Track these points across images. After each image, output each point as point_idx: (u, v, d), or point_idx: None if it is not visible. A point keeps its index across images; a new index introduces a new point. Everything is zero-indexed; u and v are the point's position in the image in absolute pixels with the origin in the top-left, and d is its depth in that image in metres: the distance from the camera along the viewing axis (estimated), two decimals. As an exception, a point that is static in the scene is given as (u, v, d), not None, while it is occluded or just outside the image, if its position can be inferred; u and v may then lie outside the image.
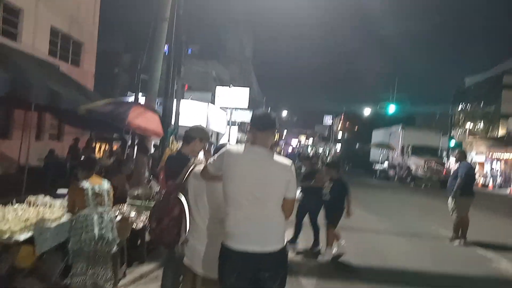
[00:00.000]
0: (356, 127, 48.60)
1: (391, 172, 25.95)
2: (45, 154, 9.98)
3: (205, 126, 3.55)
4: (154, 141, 10.03)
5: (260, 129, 2.46)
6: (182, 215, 2.77)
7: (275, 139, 2.68)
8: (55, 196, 4.40)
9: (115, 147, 10.64)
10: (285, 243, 2.41)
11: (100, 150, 10.64)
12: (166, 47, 8.98)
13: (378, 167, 28.19)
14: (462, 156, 8.11)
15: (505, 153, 28.15)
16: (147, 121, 7.50)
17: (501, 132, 31.05)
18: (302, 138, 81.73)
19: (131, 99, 15.60)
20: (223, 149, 2.53)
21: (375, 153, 31.76)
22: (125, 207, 4.55)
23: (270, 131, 2.48)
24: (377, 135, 33.66)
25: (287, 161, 2.45)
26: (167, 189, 3.00)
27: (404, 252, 6.59)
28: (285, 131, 64.64)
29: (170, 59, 8.80)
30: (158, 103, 9.38)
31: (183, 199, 2.78)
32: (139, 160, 9.14)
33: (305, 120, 79.33)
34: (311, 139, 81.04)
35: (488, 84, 34.54)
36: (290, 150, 44.35)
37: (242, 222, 2.33)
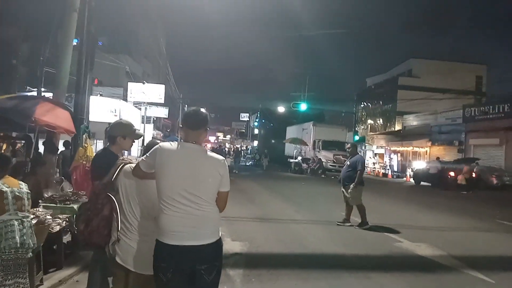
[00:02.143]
0: (272, 123, 50.23)
1: (305, 165, 27.47)
2: None
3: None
4: (65, 139, 9.32)
5: (192, 128, 2.50)
6: (113, 215, 2.69)
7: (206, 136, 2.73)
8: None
9: (18, 147, 9.62)
10: (219, 235, 2.49)
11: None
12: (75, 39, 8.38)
13: (292, 161, 29.65)
14: (354, 150, 8.76)
15: (400, 146, 31.57)
16: (57, 117, 6.92)
17: (397, 127, 34.68)
18: (220, 134, 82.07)
19: (32, 94, 14.19)
20: (155, 146, 2.51)
21: (290, 148, 33.29)
22: (39, 211, 4.21)
23: (202, 129, 2.53)
24: (291, 131, 35.30)
25: (220, 157, 2.53)
26: (95, 189, 2.88)
27: (320, 238, 7.11)
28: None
29: (80, 52, 8.23)
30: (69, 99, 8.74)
31: (113, 198, 2.70)
32: (47, 159, 8.43)
33: (222, 117, 79.72)
34: (228, 136, 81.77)
35: (386, 85, 38.30)
36: (209, 146, 44.30)
37: (177, 219, 2.35)
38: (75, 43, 8.50)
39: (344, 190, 8.37)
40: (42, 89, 14.21)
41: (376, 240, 7.15)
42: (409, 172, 26.67)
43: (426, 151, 28.76)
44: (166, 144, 2.51)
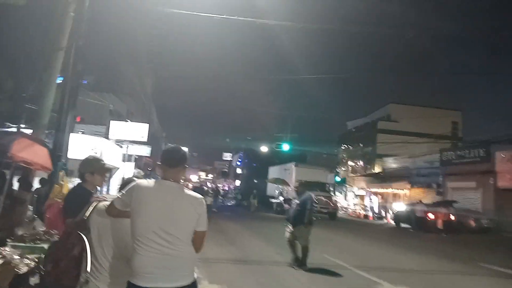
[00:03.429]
0: (254, 163, 50.31)
1: (286, 206, 27.28)
2: None
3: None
4: (41, 176, 9.10)
5: (170, 165, 2.48)
6: (83, 255, 2.60)
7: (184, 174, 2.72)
8: None
9: (-10, 184, 9.30)
10: (195, 277, 2.43)
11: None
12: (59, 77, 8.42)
13: (274, 201, 29.50)
14: (303, 189, 8.67)
15: (381, 188, 31.91)
16: (34, 154, 6.80)
17: (377, 169, 35.20)
18: (202, 173, 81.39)
19: (11, 130, 13.95)
20: (132, 184, 2.49)
21: (272, 188, 33.18)
22: (6, 250, 4.02)
23: (181, 166, 2.51)
24: (273, 171, 35.37)
25: (198, 195, 2.51)
26: (66, 227, 2.80)
27: (301, 281, 6.95)
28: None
29: (64, 90, 8.25)
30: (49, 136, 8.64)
31: (84, 237, 2.62)
32: (21, 197, 8.18)
33: (205, 156, 79.55)
34: (210, 175, 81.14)
35: (366, 128, 39.31)
36: (190, 186, 43.77)
37: (150, 259, 2.28)
38: (59, 81, 8.54)
39: (292, 230, 8.14)
40: (22, 126, 14.00)
41: (357, 283, 7.04)
42: (389, 214, 26.78)
43: (406, 193, 29.10)
44: (143, 182, 2.49)
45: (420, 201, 22.86)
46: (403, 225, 22.55)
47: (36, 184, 9.54)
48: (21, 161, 6.58)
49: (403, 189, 29.39)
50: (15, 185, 8.72)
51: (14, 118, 14.70)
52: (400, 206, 24.58)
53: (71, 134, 9.70)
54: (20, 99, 13.94)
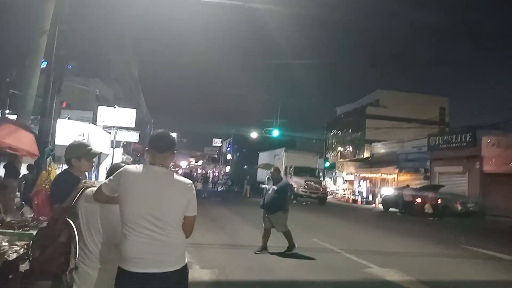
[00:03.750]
0: (244, 149, 50.31)
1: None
2: None
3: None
4: (28, 162, 8.96)
5: (159, 150, 2.43)
6: (71, 241, 2.56)
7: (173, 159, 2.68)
8: None
9: (-25, 171, 9.15)
10: (185, 262, 2.42)
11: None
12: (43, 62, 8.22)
13: (264, 186, 29.62)
14: (277, 174, 8.29)
15: (369, 173, 32.28)
16: (20, 140, 6.67)
17: (366, 155, 35.53)
18: (192, 159, 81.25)
19: (-4, 116, 13.67)
20: (120, 169, 2.45)
21: (262, 174, 33.30)
22: (-6, 238, 3.96)
23: (170, 152, 2.47)
24: (263, 157, 35.42)
25: (187, 180, 2.48)
26: (53, 213, 2.76)
27: (290, 266, 7.02)
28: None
29: (48, 75, 8.06)
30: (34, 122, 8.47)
31: (71, 223, 2.58)
32: (8, 183, 8.05)
33: (194, 142, 79.27)
34: (200, 161, 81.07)
35: (355, 114, 39.49)
36: (180, 171, 43.69)
37: (140, 244, 2.26)
38: (43, 66, 8.33)
39: (269, 216, 7.97)
40: (7, 111, 13.74)
41: (346, 267, 7.14)
42: (378, 198, 27.17)
43: (394, 178, 29.50)
44: (131, 167, 2.44)
45: (407, 186, 23.22)
46: (391, 209, 22.93)
47: (23, 171, 9.40)
48: (6, 147, 6.45)
49: (391, 174, 29.78)
50: (1, 172, 8.59)
51: (-2, 104, 14.41)
52: (388, 191, 24.96)
53: (58, 120, 9.55)
54: (3, 84, 13.63)
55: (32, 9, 7.81)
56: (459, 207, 19.45)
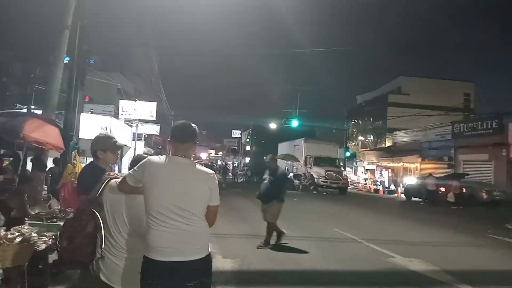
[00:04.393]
0: (263, 140, 50.30)
1: (296, 182, 27.40)
2: None
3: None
4: (54, 156, 9.21)
5: (181, 141, 2.45)
6: (97, 232, 2.62)
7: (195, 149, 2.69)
8: None
9: (5, 164, 9.47)
10: (209, 251, 2.44)
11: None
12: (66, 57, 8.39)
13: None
14: (274, 163, 7.82)
15: (391, 162, 31.78)
16: (46, 134, 6.85)
17: (388, 143, 34.95)
18: (212, 151, 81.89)
19: (21, 111, 14.08)
20: (143, 160, 2.48)
21: (281, 165, 33.25)
22: (25, 228, 4.10)
23: (191, 142, 2.49)
24: (283, 148, 35.34)
25: (209, 170, 2.50)
26: (79, 204, 2.82)
27: (313, 255, 7.02)
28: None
29: (71, 69, 8.23)
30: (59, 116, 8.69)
31: (97, 214, 2.64)
32: (35, 177, 8.30)
33: (214, 134, 79.83)
34: (220, 153, 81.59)
35: (376, 102, 38.83)
36: (200, 163, 44.02)
37: (165, 234, 2.30)
38: (66, 61, 8.51)
39: (263, 206, 7.58)
40: (32, 107, 14.15)
41: (369, 256, 7.08)
42: (400, 188, 26.75)
43: (417, 167, 28.95)
44: (155, 158, 2.47)
45: (430, 175, 22.77)
46: (414, 198, 22.56)
47: (49, 164, 9.67)
48: (33, 141, 6.64)
49: (414, 163, 29.23)
50: (29, 166, 8.87)
51: (24, 99, 14.85)
52: (411, 180, 24.52)
53: (82, 114, 9.75)
54: (29, 81, 14.01)
55: (54, 6, 7.97)
56: (485, 196, 18.94)
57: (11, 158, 9.42)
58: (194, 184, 2.39)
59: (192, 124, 2.58)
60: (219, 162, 58.33)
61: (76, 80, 7.99)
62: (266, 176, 7.77)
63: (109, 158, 3.08)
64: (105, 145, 3.07)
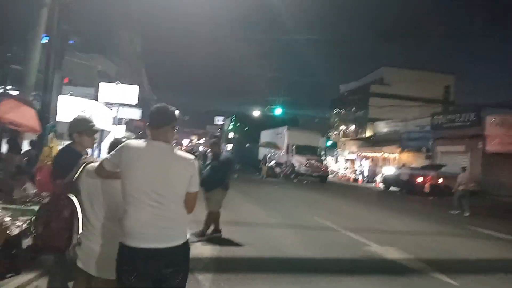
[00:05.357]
0: (246, 128, 50.24)
1: (278, 170, 27.56)
2: None
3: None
4: (30, 138, 8.97)
5: (157, 124, 2.39)
6: (74, 217, 2.57)
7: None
8: None
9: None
10: (187, 237, 2.42)
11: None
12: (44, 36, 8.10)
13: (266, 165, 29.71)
14: (217, 147, 7.23)
15: (371, 152, 32.26)
16: (21, 116, 6.65)
17: (369, 134, 35.41)
18: (194, 138, 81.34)
19: (-3, 91, 13.61)
20: (121, 144, 2.42)
21: (264, 152, 33.38)
22: (-3, 212, 4.00)
23: (170, 126, 2.42)
24: (265, 136, 35.42)
25: (189, 155, 2.45)
26: (55, 189, 2.76)
27: (293, 242, 7.11)
28: (177, 129, 63.73)
29: (49, 50, 7.95)
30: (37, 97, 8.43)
31: (74, 199, 2.59)
32: (10, 159, 8.08)
33: (196, 120, 79.10)
34: (202, 139, 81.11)
35: (358, 92, 39.08)
36: (182, 149, 43.73)
37: (143, 220, 2.26)
38: (45, 41, 8.21)
39: (205, 194, 6.68)
40: (8, 87, 13.66)
41: (346, 244, 7.22)
42: (379, 177, 27.24)
43: (396, 157, 29.49)
44: (133, 142, 2.41)
45: (404, 165, 23.27)
46: (392, 188, 23.04)
47: (25, 146, 9.42)
48: (8, 122, 6.45)
49: (393, 153, 29.73)
50: (4, 148, 8.61)
51: (0, 79, 14.31)
52: (389, 170, 25.00)
53: (60, 96, 9.48)
54: (4, 60, 13.51)
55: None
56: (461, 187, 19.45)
57: (-15, 140, 9.14)
58: (173, 169, 2.34)
59: (170, 107, 2.49)
60: (201, 149, 58.05)
61: (54, 60, 7.73)
62: (208, 161, 7.26)
63: (85, 142, 3.01)
64: (81, 128, 2.99)
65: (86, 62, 22.55)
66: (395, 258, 6.33)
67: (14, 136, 8.38)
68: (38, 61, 7.74)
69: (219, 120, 74.10)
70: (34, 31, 7.56)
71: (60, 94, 9.82)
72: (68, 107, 14.55)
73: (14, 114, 6.45)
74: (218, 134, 77.00)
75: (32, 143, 9.54)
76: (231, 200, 13.06)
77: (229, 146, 59.13)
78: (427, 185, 19.74)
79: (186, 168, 2.37)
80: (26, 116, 6.92)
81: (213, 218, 6.83)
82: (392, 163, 29.24)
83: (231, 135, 63.01)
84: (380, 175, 27.13)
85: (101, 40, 28.74)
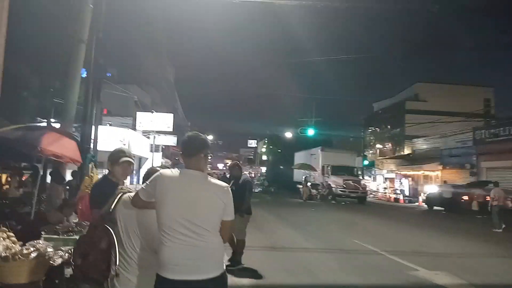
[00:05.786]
0: (279, 149, 50.15)
1: (314, 191, 27.07)
2: None
3: (127, 149, 3.20)
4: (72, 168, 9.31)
5: (189, 154, 2.38)
6: (111, 248, 2.56)
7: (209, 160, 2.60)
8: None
9: (24, 177, 9.63)
10: (224, 267, 2.34)
11: (7, 180, 9.55)
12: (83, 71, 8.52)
13: (301, 187, 29.33)
14: (236, 169, 6.73)
15: (411, 170, 31.14)
16: (63, 147, 6.91)
17: (407, 151, 34.32)
18: (228, 161, 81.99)
19: (40, 124, 14.37)
20: (155, 174, 2.41)
21: (298, 174, 33.00)
22: (40, 243, 4.08)
23: (201, 154, 2.40)
24: (299, 157, 35.12)
25: (223, 184, 2.40)
26: (93, 220, 2.77)
27: (331, 268, 6.83)
28: (211, 155, 64.67)
29: (88, 83, 8.33)
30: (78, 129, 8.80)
31: (111, 230, 2.58)
32: (54, 190, 8.39)
33: (230, 144, 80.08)
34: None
35: (393, 109, 38.25)
36: (216, 173, 44.07)
37: (178, 251, 2.21)
38: (84, 75, 8.63)
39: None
40: (52, 120, 14.40)
41: (390, 269, 6.84)
42: (421, 196, 26.14)
43: (437, 175, 28.27)
44: (167, 171, 2.40)
45: (445, 182, 22.24)
46: (435, 207, 21.99)
47: (68, 177, 9.78)
48: (51, 154, 6.70)
49: (434, 171, 28.56)
50: (49, 179, 8.97)
51: (44, 112, 15.14)
52: (432, 188, 23.93)
53: (100, 127, 9.85)
54: (47, 94, 14.30)
55: (71, 19, 8.10)
56: (510, 204, 18.26)
57: (31, 172, 9.57)
58: (207, 198, 2.30)
59: (201, 135, 2.48)
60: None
61: (92, 93, 8.07)
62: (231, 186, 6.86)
63: (117, 173, 3.05)
64: (114, 160, 3.05)
65: (123, 93, 23.51)
66: (446, 283, 5.90)
67: (56, 167, 8.71)
68: (78, 95, 8.10)
69: (252, 143, 74.56)
70: (73, 66, 7.95)
71: (100, 124, 10.22)
72: (107, 137, 15.15)
73: (56, 146, 6.70)
74: (251, 157, 77.40)
75: (74, 173, 9.91)
76: (266, 223, 12.92)
77: (263, 169, 59.12)
78: (474, 203, 18.66)
79: (220, 196, 2.32)
80: (68, 148, 7.19)
81: (240, 245, 6.46)
82: (434, 181, 28.04)
83: (264, 157, 63.06)
84: (422, 194, 26.02)
85: (136, 71, 30.02)
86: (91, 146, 8.43)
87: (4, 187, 9.18)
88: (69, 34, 7.95)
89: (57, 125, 11.32)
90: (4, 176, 9.77)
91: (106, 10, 8.03)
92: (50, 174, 8.92)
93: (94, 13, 7.72)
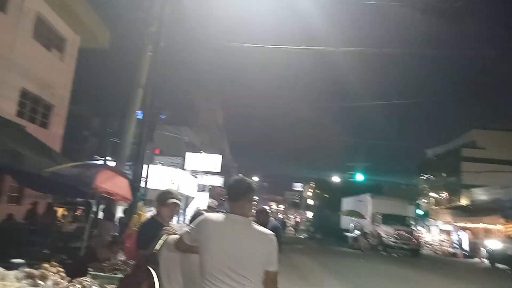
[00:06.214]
0: (326, 194, 48.96)
1: (363, 240, 25.76)
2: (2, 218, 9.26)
3: (175, 190, 3.29)
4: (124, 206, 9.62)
5: (234, 199, 2.34)
6: (151, 290, 2.53)
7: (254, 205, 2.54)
8: (8, 266, 3.96)
9: (78, 212, 10.08)
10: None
11: (62, 215, 10.03)
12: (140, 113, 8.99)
13: (349, 235, 28.06)
14: (263, 215, 6.45)
15: (469, 223, 28.90)
16: (115, 185, 7.19)
17: (463, 201, 32.07)
18: (273, 204, 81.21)
19: (96, 162, 15.22)
20: (200, 217, 2.39)
21: (346, 221, 31.75)
22: (86, 280, 4.15)
23: (246, 199, 2.35)
24: (347, 203, 33.95)
25: (268, 231, 2.32)
26: (137, 261, 2.77)
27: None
28: (257, 198, 64.38)
29: (142, 125, 8.77)
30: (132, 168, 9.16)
31: (153, 272, 2.56)
32: (105, 226, 8.65)
33: (275, 186, 79.52)
34: (281, 206, 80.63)
35: (448, 156, 36.36)
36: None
37: None
38: (140, 117, 9.11)
39: None
40: (108, 158, 15.24)
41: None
42: (482, 252, 23.96)
43: (500, 229, 25.93)
44: (211, 216, 2.37)
45: (510, 237, 20.25)
46: (499, 265, 19.99)
47: (120, 214, 10.09)
48: (103, 192, 6.98)
49: (495, 224, 26.25)
50: (100, 215, 9.30)
51: (101, 151, 16.08)
52: (495, 244, 21.90)
53: (151, 166, 10.23)
54: (106, 134, 15.22)
55: (130, 65, 8.70)
56: None
57: (84, 207, 10.01)
58: (250, 246, 2.22)
59: (247, 180, 2.44)
60: (279, 216, 57.41)
61: (146, 134, 8.45)
62: None
63: (163, 213, 3.08)
64: (160, 200, 3.11)
65: (175, 134, 24.49)
66: None
67: (108, 204, 9.04)
68: (132, 135, 8.51)
69: (297, 186, 73.59)
70: (130, 108, 8.43)
71: (152, 163, 10.61)
72: (159, 176, 15.68)
73: (110, 183, 6.99)
74: (297, 200, 76.12)
75: (125, 211, 10.23)
76: (310, 273, 12.33)
77: (309, 214, 57.71)
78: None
79: (263, 244, 2.24)
80: (120, 186, 7.47)
81: None
82: (495, 235, 25.70)
83: (310, 201, 61.73)
84: (483, 249, 23.86)
85: (188, 114, 31.38)
86: (142, 184, 8.72)
87: (60, 221, 9.64)
88: (128, 79, 8.50)
89: (112, 163, 11.93)
90: (60, 210, 10.30)
91: (163, 57, 8.55)
92: (102, 211, 9.26)
93: (151, 60, 8.25)
